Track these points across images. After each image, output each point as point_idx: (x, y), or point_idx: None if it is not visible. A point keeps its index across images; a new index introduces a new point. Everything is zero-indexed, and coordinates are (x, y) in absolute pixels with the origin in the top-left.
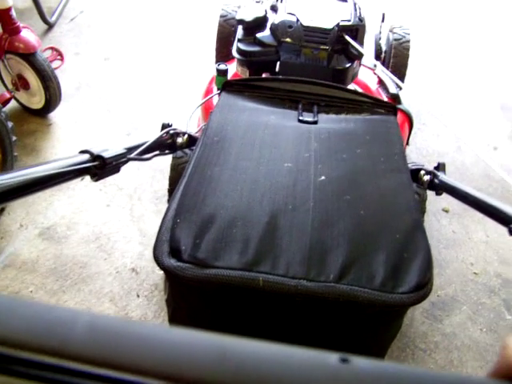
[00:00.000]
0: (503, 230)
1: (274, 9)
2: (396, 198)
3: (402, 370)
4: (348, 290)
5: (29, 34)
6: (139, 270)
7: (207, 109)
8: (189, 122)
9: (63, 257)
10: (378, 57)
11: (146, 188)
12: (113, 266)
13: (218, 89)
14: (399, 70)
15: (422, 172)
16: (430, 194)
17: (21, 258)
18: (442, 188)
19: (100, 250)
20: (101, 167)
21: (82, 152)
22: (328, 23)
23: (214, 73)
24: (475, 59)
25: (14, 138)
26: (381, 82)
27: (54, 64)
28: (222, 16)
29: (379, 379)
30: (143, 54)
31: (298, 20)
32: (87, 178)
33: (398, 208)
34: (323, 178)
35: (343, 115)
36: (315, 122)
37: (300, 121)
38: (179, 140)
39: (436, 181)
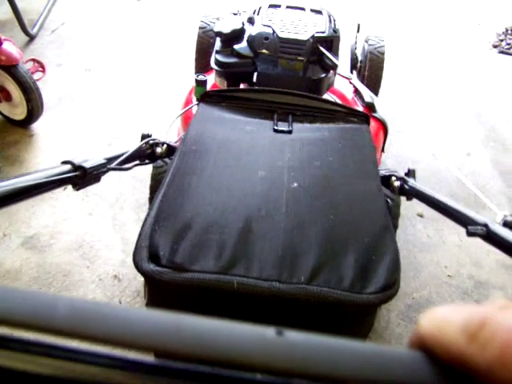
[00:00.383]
0: None
1: (250, 21)
2: (366, 203)
3: (331, 341)
4: (318, 291)
5: (10, 47)
6: (121, 277)
7: (186, 119)
8: (168, 132)
9: (46, 265)
10: (354, 66)
11: (127, 197)
12: (95, 273)
13: (197, 99)
14: (375, 79)
15: (393, 178)
16: (405, 199)
17: (4, 267)
18: (411, 193)
19: (83, 258)
20: (82, 177)
21: (64, 163)
22: (303, 35)
23: (194, 83)
24: (450, 68)
25: None
26: (356, 91)
27: (36, 76)
28: (200, 28)
29: (309, 348)
30: (124, 65)
31: (274, 32)
32: (70, 187)
33: (367, 212)
34: (296, 184)
35: (317, 124)
36: (290, 132)
37: (275, 130)
38: (158, 150)
39: (406, 186)
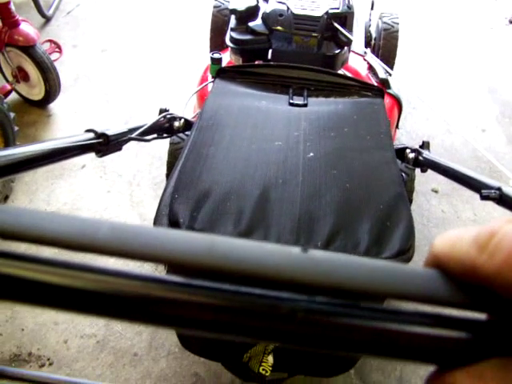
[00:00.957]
0: (490, 208)
1: None
2: (380, 173)
3: (352, 258)
4: None
5: (28, 27)
6: None
7: (202, 96)
8: (185, 109)
9: None
10: (368, 43)
11: (144, 175)
12: None
13: (213, 77)
14: (389, 56)
15: (408, 150)
16: (420, 175)
17: (24, 245)
18: (425, 164)
19: None
20: (105, 144)
21: (87, 131)
22: (317, 11)
23: (209, 61)
24: (463, 44)
25: (16, 129)
26: (370, 68)
27: (53, 56)
28: (215, 7)
29: (332, 263)
30: (139, 45)
31: (288, 8)
32: (88, 165)
33: (382, 181)
34: (312, 154)
35: (332, 98)
36: (305, 105)
37: (291, 104)
38: (176, 124)
39: (420, 158)
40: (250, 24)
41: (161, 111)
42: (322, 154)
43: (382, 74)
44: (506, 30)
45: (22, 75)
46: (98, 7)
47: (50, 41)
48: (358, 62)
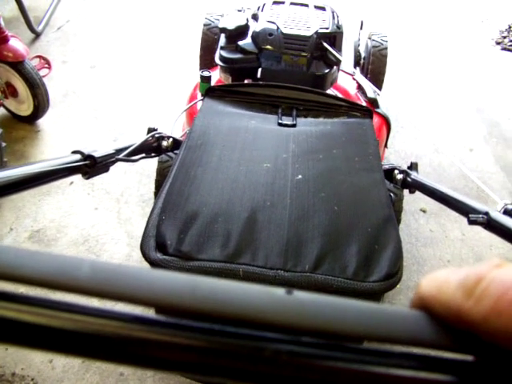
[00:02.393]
0: (478, 228)
1: (255, 17)
2: (369, 195)
3: (337, 301)
4: (322, 279)
5: (17, 43)
6: None
7: (191, 114)
8: (174, 127)
9: None
10: (357, 63)
11: (132, 192)
12: None
13: (202, 95)
14: (378, 76)
15: (396, 171)
16: (409, 195)
17: None
18: (413, 186)
19: (89, 252)
20: (91, 166)
21: (74, 152)
22: (307, 31)
23: (198, 79)
24: (453, 65)
25: (4, 144)
26: (359, 87)
27: (42, 72)
28: (205, 25)
29: (317, 306)
30: (129, 62)
31: (278, 28)
32: (76, 182)
33: (370, 203)
34: (300, 176)
35: (321, 118)
36: (294, 125)
37: (279, 124)
38: (164, 143)
39: (408, 179)
40: (240, 43)
41: (149, 130)
42: (310, 176)
43: (370, 94)
44: (493, 51)
45: (10, 91)
46: (88, 23)
47: (40, 57)
48: (347, 81)
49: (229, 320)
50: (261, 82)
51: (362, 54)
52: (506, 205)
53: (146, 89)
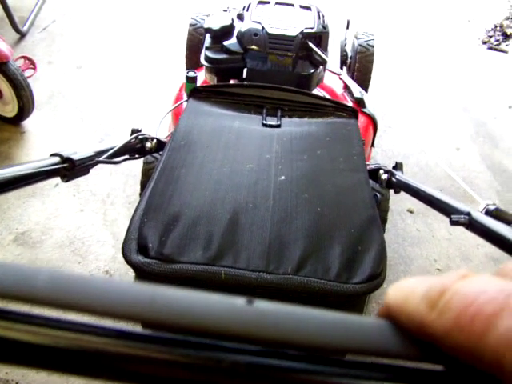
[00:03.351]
0: None
1: (240, 17)
2: (353, 195)
3: (300, 310)
4: (305, 281)
5: (1, 44)
6: (113, 272)
7: (177, 115)
8: (159, 128)
9: (38, 261)
10: (344, 62)
11: (118, 193)
12: (87, 269)
13: (188, 95)
14: (365, 75)
15: (381, 171)
16: (396, 195)
17: None
18: (398, 186)
19: (74, 254)
20: (70, 169)
21: (53, 155)
22: (292, 31)
23: (184, 80)
24: (440, 65)
25: None
26: (346, 87)
27: (27, 73)
28: (191, 25)
29: (278, 316)
30: (115, 63)
31: (263, 28)
32: (61, 184)
33: (354, 204)
34: (283, 177)
35: (306, 119)
36: (278, 126)
37: (264, 125)
38: (148, 145)
39: (393, 179)
40: (225, 43)
41: (133, 131)
42: (293, 177)
43: (357, 93)
44: (479, 51)
45: None
46: (73, 23)
47: (24, 57)
48: (334, 81)
49: (188, 330)
50: (246, 83)
51: (349, 54)
52: (487, 205)
53: (132, 89)
